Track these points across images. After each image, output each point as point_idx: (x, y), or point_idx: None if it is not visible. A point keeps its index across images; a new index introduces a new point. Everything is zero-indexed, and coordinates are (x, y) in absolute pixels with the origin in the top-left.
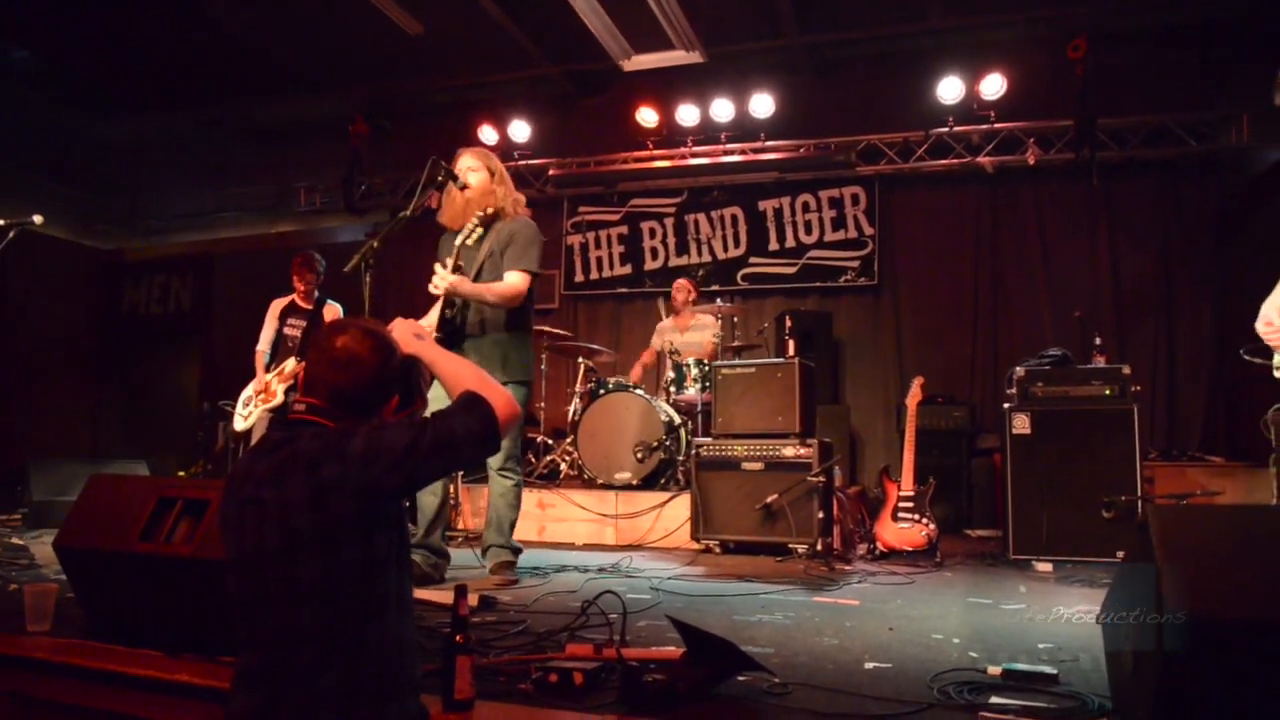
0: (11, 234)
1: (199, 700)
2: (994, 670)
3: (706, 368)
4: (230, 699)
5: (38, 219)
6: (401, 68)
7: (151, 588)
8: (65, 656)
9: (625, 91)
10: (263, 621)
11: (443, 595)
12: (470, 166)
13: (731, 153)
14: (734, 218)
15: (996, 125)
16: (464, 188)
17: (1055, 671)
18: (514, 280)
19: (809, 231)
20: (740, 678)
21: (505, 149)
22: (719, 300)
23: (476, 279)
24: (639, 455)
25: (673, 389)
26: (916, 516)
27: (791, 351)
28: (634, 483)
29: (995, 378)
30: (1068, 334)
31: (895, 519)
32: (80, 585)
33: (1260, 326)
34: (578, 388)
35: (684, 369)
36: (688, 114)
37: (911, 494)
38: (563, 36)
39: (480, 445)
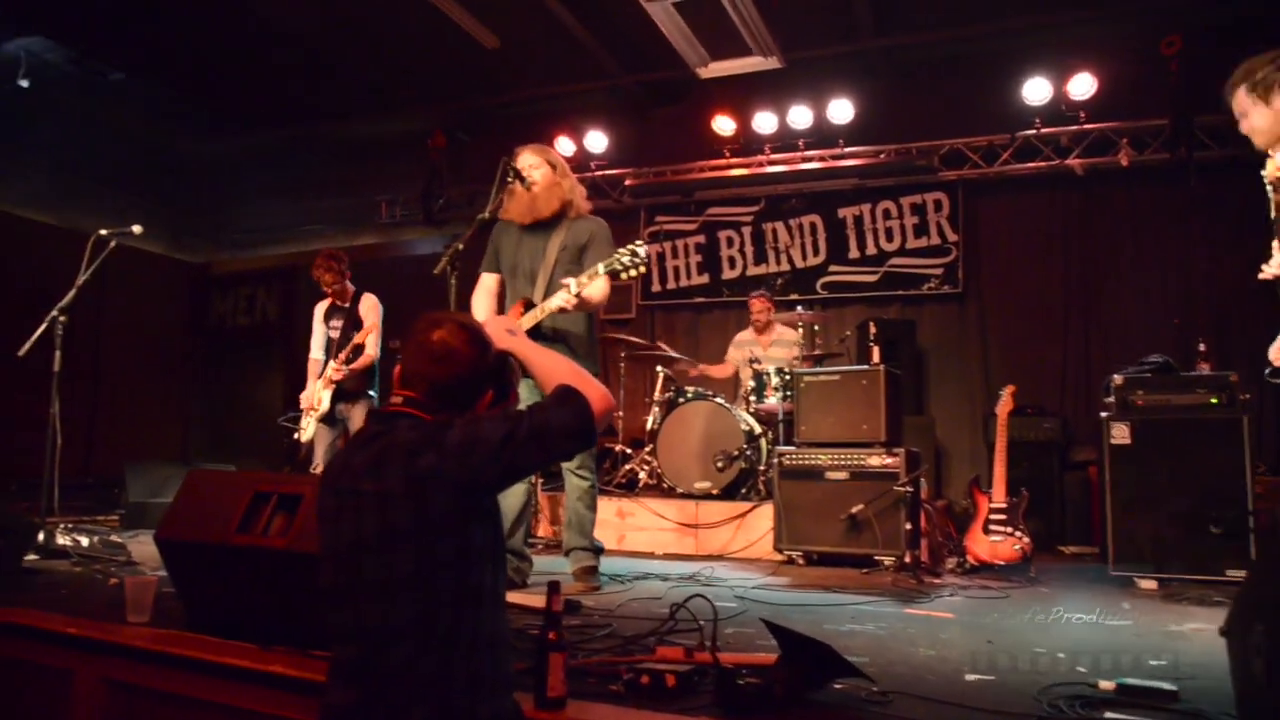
0: (113, 243)
1: (292, 692)
2: (1106, 685)
3: (788, 376)
4: (326, 692)
5: (137, 229)
6: (478, 82)
7: (247, 580)
8: (163, 646)
9: (701, 100)
10: (358, 614)
11: (528, 598)
12: (532, 164)
13: (810, 159)
14: (813, 225)
15: (1086, 126)
16: (530, 185)
17: (1174, 688)
18: (603, 285)
19: (890, 238)
20: (836, 685)
21: (582, 159)
22: (799, 308)
23: (550, 276)
24: (719, 464)
25: (753, 398)
26: (1009, 529)
27: (876, 359)
28: (714, 492)
29: (1087, 388)
30: (1164, 342)
31: (986, 532)
32: (179, 578)
33: (1273, 351)
34: (656, 396)
35: (764, 378)
36: (765, 121)
37: (1004, 506)
38: (638, 45)
39: (576, 438)
